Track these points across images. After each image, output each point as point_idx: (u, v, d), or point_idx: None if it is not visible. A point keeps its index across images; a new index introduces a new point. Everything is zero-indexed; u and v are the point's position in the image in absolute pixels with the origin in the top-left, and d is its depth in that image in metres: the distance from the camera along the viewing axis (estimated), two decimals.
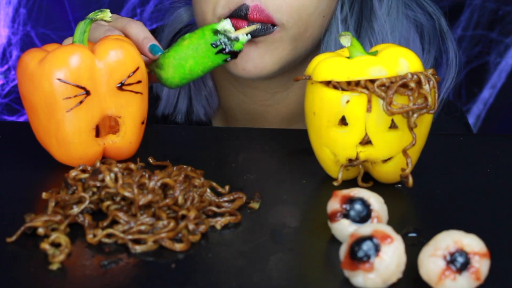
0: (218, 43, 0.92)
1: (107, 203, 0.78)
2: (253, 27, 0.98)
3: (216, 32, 0.92)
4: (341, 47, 1.07)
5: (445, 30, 1.14)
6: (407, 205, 0.84)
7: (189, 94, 1.17)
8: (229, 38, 0.93)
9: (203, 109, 1.18)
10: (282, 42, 1.04)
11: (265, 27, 1.02)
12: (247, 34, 0.94)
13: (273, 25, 1.02)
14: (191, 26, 1.20)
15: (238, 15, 1.01)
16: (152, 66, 0.94)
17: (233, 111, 1.19)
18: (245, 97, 1.16)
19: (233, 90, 1.15)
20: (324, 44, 1.09)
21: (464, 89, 1.92)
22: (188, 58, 0.93)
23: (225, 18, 1.00)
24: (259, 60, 1.04)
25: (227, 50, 0.93)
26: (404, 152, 0.80)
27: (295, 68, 1.11)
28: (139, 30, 0.95)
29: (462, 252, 0.66)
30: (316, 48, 1.10)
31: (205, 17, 1.05)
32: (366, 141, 0.82)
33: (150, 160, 0.90)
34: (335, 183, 0.84)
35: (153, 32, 1.22)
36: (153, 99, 1.17)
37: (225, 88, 1.17)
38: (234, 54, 0.93)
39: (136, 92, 0.88)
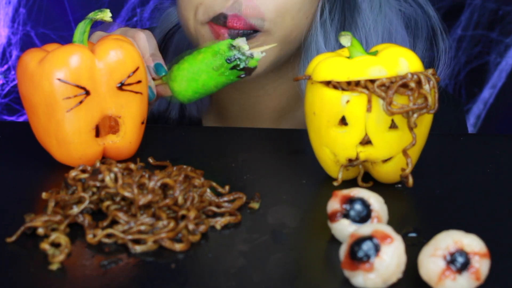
0: (233, 58, 0.92)
1: (107, 203, 0.78)
2: (271, 45, 0.97)
3: (231, 47, 0.92)
4: (322, 46, 1.08)
5: (434, 19, 1.15)
6: (407, 205, 0.84)
7: None
8: (243, 55, 0.92)
9: (195, 105, 1.19)
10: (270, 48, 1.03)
11: (245, 32, 1.02)
12: (262, 52, 0.93)
13: (255, 30, 1.02)
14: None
15: (217, 22, 1.02)
16: (166, 77, 0.95)
17: (225, 104, 1.20)
18: (237, 90, 1.17)
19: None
20: (306, 42, 1.09)
21: (464, 89, 1.92)
22: (201, 73, 0.93)
23: (206, 22, 1.02)
24: None
25: (241, 66, 0.92)
26: (404, 152, 0.80)
27: (282, 64, 1.12)
28: (145, 42, 0.95)
29: (462, 252, 0.66)
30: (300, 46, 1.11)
31: (187, 22, 1.07)
32: (366, 141, 0.82)
33: (150, 160, 0.90)
34: (335, 183, 0.84)
35: None
36: None
37: None
38: (248, 71, 0.93)
39: (136, 92, 0.88)
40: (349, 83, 0.81)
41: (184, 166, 0.84)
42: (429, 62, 1.16)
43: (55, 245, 0.73)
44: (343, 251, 0.68)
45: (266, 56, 1.04)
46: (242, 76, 0.93)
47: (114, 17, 0.94)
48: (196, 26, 1.05)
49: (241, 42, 0.92)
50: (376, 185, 0.85)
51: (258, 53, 0.93)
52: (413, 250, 0.70)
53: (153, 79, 0.96)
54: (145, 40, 0.96)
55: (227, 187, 0.83)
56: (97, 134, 0.89)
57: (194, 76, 0.93)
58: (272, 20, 1.03)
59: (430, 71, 0.80)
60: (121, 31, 0.99)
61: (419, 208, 0.83)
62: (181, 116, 1.19)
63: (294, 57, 1.12)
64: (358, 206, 0.73)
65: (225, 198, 0.80)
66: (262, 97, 1.17)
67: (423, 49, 1.15)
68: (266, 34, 1.03)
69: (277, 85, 1.16)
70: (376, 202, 0.74)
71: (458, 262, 0.66)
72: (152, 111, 1.18)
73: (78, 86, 0.84)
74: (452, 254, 0.66)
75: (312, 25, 1.08)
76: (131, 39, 0.96)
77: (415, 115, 0.78)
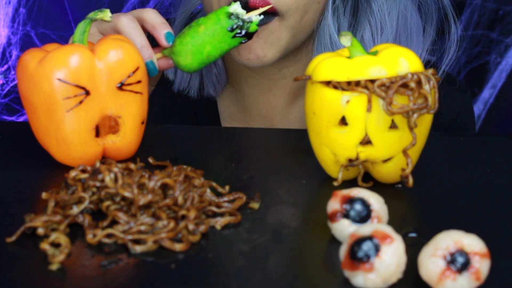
0: (234, 26, 0.94)
1: (107, 203, 0.78)
2: (265, 8, 1.00)
3: (230, 15, 0.94)
4: (334, 31, 1.09)
5: (445, 2, 1.17)
6: (407, 205, 0.84)
7: (201, 72, 1.22)
8: (243, 20, 0.94)
9: (212, 85, 1.22)
10: (281, 32, 1.07)
11: (265, 16, 1.05)
12: (260, 15, 0.96)
13: (274, 13, 1.05)
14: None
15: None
16: (168, 51, 0.96)
17: (241, 87, 1.23)
18: (253, 72, 1.19)
19: (242, 66, 1.19)
20: (320, 26, 1.11)
21: None
22: (205, 44, 0.94)
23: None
24: (260, 51, 1.07)
25: (243, 32, 0.95)
26: (404, 152, 0.80)
27: (297, 49, 1.14)
28: (155, 16, 0.97)
29: (462, 252, 0.66)
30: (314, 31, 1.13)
31: (211, 3, 1.09)
32: (366, 141, 0.82)
33: (150, 160, 0.90)
34: (335, 183, 0.84)
35: None
36: (167, 79, 1.23)
37: (234, 65, 1.21)
38: (249, 36, 0.96)
39: (136, 92, 0.88)
40: (349, 83, 0.80)
41: (184, 166, 0.84)
42: (439, 48, 1.18)
43: (55, 245, 0.73)
44: (343, 251, 0.68)
45: (279, 43, 1.08)
46: (244, 42, 0.96)
47: None
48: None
49: (237, 8, 0.95)
50: (376, 185, 0.85)
51: (256, 16, 0.95)
52: (413, 250, 0.70)
53: (155, 52, 0.97)
54: (152, 12, 0.97)
55: (227, 187, 0.83)
56: (97, 134, 0.89)
57: (199, 48, 0.94)
58: (288, 4, 1.05)
59: (430, 71, 0.80)
60: (126, 14, 1.00)
61: (419, 208, 0.83)
62: (200, 96, 1.22)
63: (308, 41, 1.14)
64: (358, 206, 0.73)
65: (225, 198, 0.80)
66: (278, 80, 1.20)
67: (433, 34, 1.16)
68: (280, 19, 1.06)
69: (293, 69, 1.19)
70: (376, 202, 0.74)
71: (458, 262, 0.66)
72: (172, 90, 1.22)
73: (78, 86, 0.84)
74: (452, 254, 0.66)
75: (325, 10, 1.10)
76: (137, 15, 0.97)
77: (415, 115, 0.78)
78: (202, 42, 0.94)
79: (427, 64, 1.17)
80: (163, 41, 0.95)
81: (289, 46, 1.10)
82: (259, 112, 1.23)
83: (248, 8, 1.01)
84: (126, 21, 0.95)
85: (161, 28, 0.95)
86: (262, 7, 1.03)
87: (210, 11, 1.09)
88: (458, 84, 1.23)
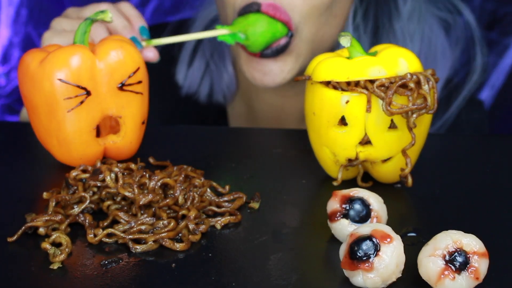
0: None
1: (108, 203, 0.78)
2: None
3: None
4: None
5: (472, 27, 1.16)
6: (406, 205, 0.84)
7: (211, 78, 1.21)
8: None
9: (222, 92, 1.21)
10: (300, 49, 1.05)
11: (287, 40, 1.04)
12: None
13: (290, 33, 1.04)
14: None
15: (249, 11, 1.01)
16: (235, 27, 1.00)
17: (253, 102, 1.22)
18: (267, 88, 1.18)
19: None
20: (340, 45, 1.10)
21: None
22: (272, 27, 1.01)
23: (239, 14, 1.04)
24: (278, 73, 1.06)
25: None
26: (404, 152, 0.80)
27: None
28: (130, 8, 0.99)
29: (461, 251, 0.66)
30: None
31: (226, 10, 1.06)
32: (365, 141, 0.82)
33: (151, 160, 0.90)
34: (335, 183, 0.84)
35: (180, 23, 1.25)
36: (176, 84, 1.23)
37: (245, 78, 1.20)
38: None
39: (137, 93, 0.88)
40: (348, 83, 0.81)
41: (185, 166, 0.84)
42: (464, 70, 1.18)
43: (56, 244, 0.73)
44: (342, 250, 0.68)
45: (298, 62, 1.06)
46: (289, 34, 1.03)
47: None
48: (233, 15, 1.04)
49: None
50: (376, 185, 0.85)
51: None
52: (412, 250, 0.70)
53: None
54: (128, 5, 0.99)
55: (227, 187, 0.83)
56: (98, 134, 0.89)
57: (270, 26, 1.01)
58: (301, 13, 1.03)
59: (430, 71, 0.80)
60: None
61: (419, 208, 0.84)
62: (209, 102, 1.22)
63: None
64: (357, 206, 0.73)
65: (225, 198, 0.81)
66: (291, 97, 1.18)
67: (458, 55, 1.16)
68: (295, 34, 1.04)
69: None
70: (376, 202, 0.74)
71: (457, 262, 0.66)
72: (180, 94, 1.21)
73: (78, 87, 0.84)
74: (451, 254, 0.66)
75: (344, 28, 1.09)
76: (116, 9, 0.98)
77: (414, 115, 0.78)
78: (266, 23, 1.01)
79: (448, 83, 1.17)
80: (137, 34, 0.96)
81: (307, 63, 1.06)
82: (269, 125, 1.22)
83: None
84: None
85: (135, 22, 0.97)
86: (275, 17, 1.02)
87: (224, 16, 1.07)
88: (475, 105, 1.22)
